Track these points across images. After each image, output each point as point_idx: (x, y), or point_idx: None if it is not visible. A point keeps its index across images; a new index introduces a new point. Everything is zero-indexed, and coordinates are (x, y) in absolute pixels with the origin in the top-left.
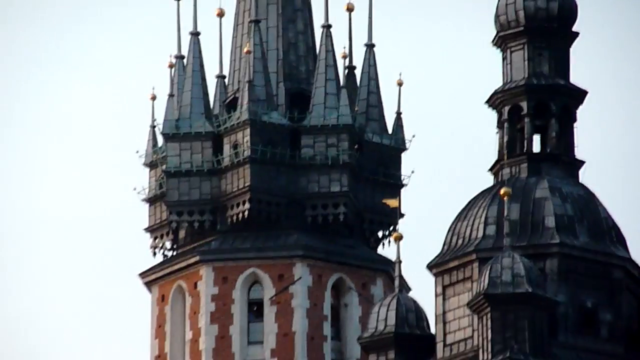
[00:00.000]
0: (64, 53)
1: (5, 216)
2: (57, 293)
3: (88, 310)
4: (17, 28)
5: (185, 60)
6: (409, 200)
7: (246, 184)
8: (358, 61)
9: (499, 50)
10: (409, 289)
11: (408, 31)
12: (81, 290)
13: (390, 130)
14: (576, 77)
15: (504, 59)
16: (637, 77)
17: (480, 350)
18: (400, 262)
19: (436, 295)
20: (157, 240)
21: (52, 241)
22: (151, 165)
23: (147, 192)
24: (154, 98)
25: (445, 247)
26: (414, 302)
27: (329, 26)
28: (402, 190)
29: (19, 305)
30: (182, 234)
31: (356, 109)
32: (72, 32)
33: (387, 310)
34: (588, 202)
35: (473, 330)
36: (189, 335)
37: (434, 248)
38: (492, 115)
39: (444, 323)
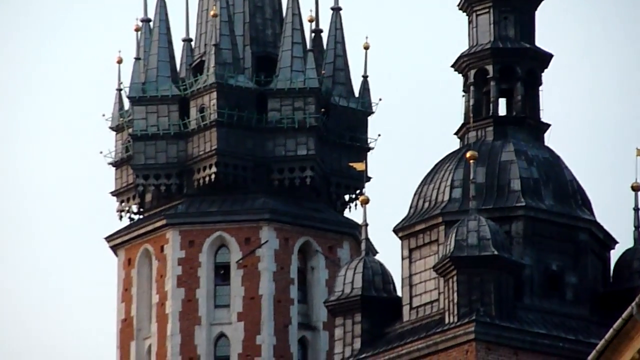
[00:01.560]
0: (31, 15)
1: None
2: (23, 257)
3: (54, 274)
4: None
5: (151, 24)
6: (375, 163)
7: (213, 148)
8: (325, 24)
9: (465, 14)
10: (375, 252)
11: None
12: (47, 255)
13: (357, 94)
14: (541, 41)
15: (469, 22)
16: (601, 41)
17: (447, 313)
18: (366, 225)
19: (402, 259)
20: (123, 204)
21: (19, 205)
22: (117, 128)
23: (113, 155)
24: (120, 61)
25: (412, 211)
26: (381, 265)
27: None
28: (369, 154)
29: None
30: (148, 197)
31: (323, 72)
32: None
33: (354, 274)
34: (553, 165)
35: (439, 293)
36: (155, 298)
37: (401, 211)
38: (458, 79)
39: (410, 286)
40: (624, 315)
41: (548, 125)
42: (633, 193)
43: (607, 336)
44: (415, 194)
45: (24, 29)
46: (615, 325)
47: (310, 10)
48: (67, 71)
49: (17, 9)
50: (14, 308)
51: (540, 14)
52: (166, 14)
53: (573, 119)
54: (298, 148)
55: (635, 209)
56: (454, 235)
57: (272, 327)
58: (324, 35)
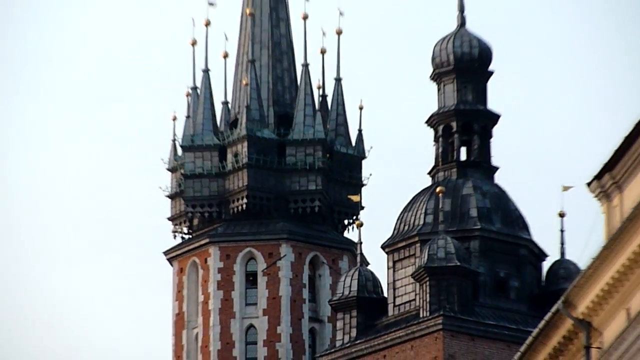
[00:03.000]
0: (111, 86)
1: (62, 210)
2: (104, 268)
3: (127, 280)
4: (74, 57)
5: (198, 90)
6: (367, 196)
7: (244, 184)
8: (329, 91)
9: (435, 83)
10: (367, 264)
11: (367, 69)
12: (121, 265)
13: (353, 143)
14: (492, 104)
15: (438, 90)
16: (540, 102)
17: (421, 310)
18: (361, 243)
19: (388, 268)
20: (176, 227)
21: (99, 228)
22: (172, 169)
23: (169, 190)
24: (174, 119)
25: (395, 232)
26: (372, 273)
27: (307, 65)
28: (363, 189)
29: (73, 278)
30: (195, 222)
31: (328, 127)
32: (117, 69)
33: (351, 280)
34: (501, 197)
35: (415, 294)
36: (201, 298)
37: (387, 233)
38: (430, 132)
39: (394, 289)
40: (553, 309)
41: (497, 168)
42: (560, 219)
43: (540, 325)
44: (397, 219)
45: (106, 94)
46: (546, 317)
47: (318, 80)
48: (135, 126)
49: (101, 76)
50: (97, 308)
51: (491, 83)
52: (209, 83)
53: (516, 163)
54: (309, 184)
55: (561, 231)
56: (427, 250)
57: (289, 320)
58: (329, 99)
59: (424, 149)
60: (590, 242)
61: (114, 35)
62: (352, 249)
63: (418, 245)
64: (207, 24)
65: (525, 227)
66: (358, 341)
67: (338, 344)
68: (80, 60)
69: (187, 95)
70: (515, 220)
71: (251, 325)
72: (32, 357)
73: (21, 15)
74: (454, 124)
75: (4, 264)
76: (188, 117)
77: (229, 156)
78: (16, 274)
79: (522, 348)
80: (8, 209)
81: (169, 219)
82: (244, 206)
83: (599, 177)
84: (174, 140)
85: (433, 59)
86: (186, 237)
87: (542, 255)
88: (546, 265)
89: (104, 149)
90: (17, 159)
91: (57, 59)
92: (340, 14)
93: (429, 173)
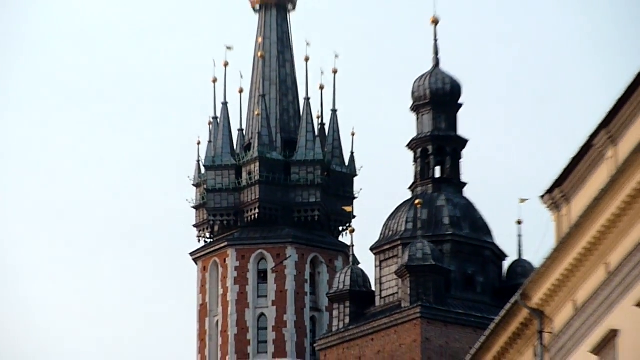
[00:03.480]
0: (146, 116)
1: (108, 220)
2: (139, 268)
3: (159, 278)
4: (117, 90)
5: (218, 120)
6: (358, 207)
7: (256, 197)
8: (327, 120)
9: (414, 113)
10: (358, 263)
11: (358, 102)
12: (153, 265)
13: (347, 163)
14: (462, 131)
15: (417, 119)
16: (502, 129)
17: (402, 301)
18: (353, 246)
19: (375, 267)
20: (200, 232)
21: (136, 234)
22: (197, 185)
23: (194, 202)
24: (199, 143)
25: (381, 237)
26: (362, 271)
27: (308, 98)
28: (355, 201)
29: (108, 276)
30: (216, 228)
31: (325, 150)
32: (152, 102)
33: (345, 276)
34: (469, 208)
35: (398, 288)
36: (220, 291)
37: (374, 237)
38: (410, 154)
39: (380, 284)
40: (512, 301)
41: (465, 184)
42: (517, 225)
43: (501, 314)
44: (383, 226)
45: (143, 126)
46: (506, 307)
47: (318, 111)
48: (166, 149)
49: (138, 107)
50: (134, 300)
51: (461, 114)
52: (227, 114)
53: (481, 179)
54: (310, 197)
55: (519, 236)
56: (407, 252)
57: (294, 310)
58: (326, 127)
59: (405, 168)
60: (543, 245)
61: (148, 73)
62: (345, 250)
63: (400, 247)
64: (226, 64)
65: (489, 232)
66: (350, 327)
67: (334, 329)
68: (124, 94)
69: (209, 124)
70: (480, 227)
71: (262, 314)
72: (85, 337)
73: (61, 48)
74: (430, 147)
75: (63, 266)
76: (210, 141)
77: (244, 174)
78: (73, 272)
79: (486, 332)
80: (65, 221)
81: (194, 226)
82: (256, 215)
83: (550, 191)
84: (198, 161)
85: (412, 93)
86: (208, 241)
87: (503, 256)
88: (506, 264)
89: (141, 169)
90: (62, 176)
91: (103, 89)
92: (336, 56)
93: (409, 188)
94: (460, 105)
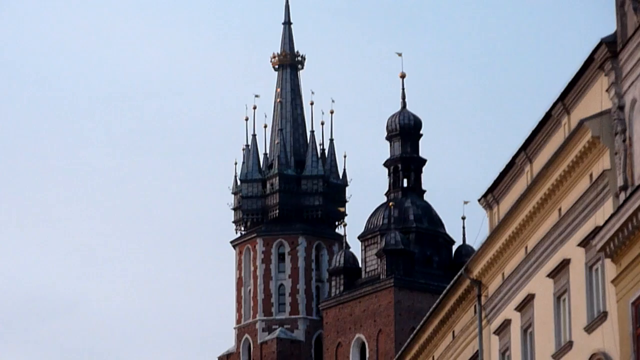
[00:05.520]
0: (197, 145)
1: (168, 222)
2: (193, 255)
3: (207, 262)
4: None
5: (249, 147)
6: (350, 208)
7: (277, 202)
8: (327, 146)
9: (388, 141)
10: (349, 248)
11: (349, 134)
12: (204, 251)
13: (340, 177)
14: (422, 153)
15: (390, 145)
16: (451, 152)
17: (380, 275)
18: (345, 236)
19: (361, 250)
20: (237, 227)
21: (191, 231)
22: (235, 193)
23: (232, 205)
24: (235, 164)
25: (366, 229)
26: (352, 253)
27: (313, 131)
28: (347, 204)
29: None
30: (248, 224)
31: (325, 168)
32: (201, 135)
33: (340, 257)
34: (429, 209)
35: (378, 265)
36: (252, 268)
37: (361, 229)
38: (385, 170)
39: (365, 263)
40: (458, 274)
41: (425, 191)
42: (462, 220)
43: (450, 283)
44: (367, 222)
45: (192, 149)
46: (454, 279)
47: (320, 141)
48: (213, 168)
49: (192, 139)
50: (189, 279)
51: (422, 141)
52: (256, 143)
53: (437, 187)
54: (315, 201)
55: (463, 227)
56: (384, 240)
57: (304, 281)
58: (326, 151)
59: (382, 180)
60: (480, 234)
61: (200, 115)
62: (340, 239)
63: (379, 236)
64: (255, 107)
65: (442, 225)
66: (344, 293)
67: (332, 294)
68: (184, 130)
69: (242, 150)
70: (436, 222)
71: (281, 284)
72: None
73: (130, 98)
74: (399, 165)
75: (143, 255)
76: (243, 162)
77: (268, 185)
78: (146, 259)
79: (440, 297)
80: (141, 223)
81: (233, 222)
82: (277, 215)
83: (485, 195)
84: (235, 176)
85: (387, 127)
86: (243, 233)
87: (452, 242)
88: (455, 247)
89: (196, 183)
90: (143, 189)
91: (170, 126)
92: (332, 101)
93: (385, 194)
94: (421, 135)
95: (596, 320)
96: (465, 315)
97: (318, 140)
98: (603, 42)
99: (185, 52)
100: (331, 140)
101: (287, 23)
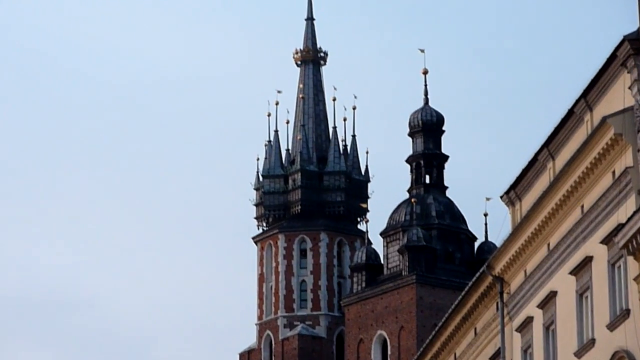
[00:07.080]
0: (221, 143)
1: (192, 215)
2: (218, 249)
3: (230, 256)
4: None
5: (272, 143)
6: (372, 204)
7: (299, 198)
8: (349, 142)
9: (410, 137)
10: (371, 244)
11: (371, 130)
12: (227, 246)
13: (363, 173)
14: (445, 149)
15: (413, 141)
16: (473, 148)
17: (402, 271)
18: (367, 232)
19: (383, 247)
20: (259, 222)
21: (214, 225)
22: (257, 189)
23: (255, 200)
24: (258, 159)
25: (388, 225)
26: (374, 250)
27: (335, 127)
28: (369, 200)
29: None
30: (270, 219)
31: (348, 164)
32: (224, 134)
33: (362, 253)
34: (451, 205)
35: (400, 261)
36: (273, 264)
37: (383, 225)
38: (408, 167)
39: (387, 259)
40: (480, 270)
41: (447, 187)
42: (484, 217)
43: (473, 279)
44: (389, 218)
45: (217, 148)
46: (476, 275)
47: (343, 136)
48: (236, 164)
49: (216, 140)
50: (212, 272)
51: (444, 137)
52: (278, 139)
53: (459, 184)
54: (337, 197)
55: (485, 224)
56: (406, 236)
57: (326, 277)
58: (348, 147)
59: (404, 176)
60: (502, 230)
61: (225, 111)
62: (362, 235)
63: (401, 233)
64: (277, 103)
65: (464, 221)
66: (366, 289)
67: (354, 291)
68: (210, 126)
69: (265, 146)
70: (458, 218)
71: (303, 280)
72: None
73: (152, 97)
74: (421, 162)
75: (167, 249)
76: (266, 158)
77: (290, 181)
78: (171, 251)
79: (462, 294)
80: (165, 219)
81: (255, 218)
82: (299, 210)
83: (507, 192)
84: (257, 172)
85: (409, 123)
86: (265, 228)
87: (474, 238)
88: (477, 244)
89: (219, 178)
90: (167, 190)
91: (196, 125)
92: (355, 97)
93: (407, 190)
94: (444, 131)
95: (619, 318)
96: (487, 312)
97: (340, 136)
98: (625, 39)
99: (207, 48)
100: (353, 136)
101: (310, 19)
